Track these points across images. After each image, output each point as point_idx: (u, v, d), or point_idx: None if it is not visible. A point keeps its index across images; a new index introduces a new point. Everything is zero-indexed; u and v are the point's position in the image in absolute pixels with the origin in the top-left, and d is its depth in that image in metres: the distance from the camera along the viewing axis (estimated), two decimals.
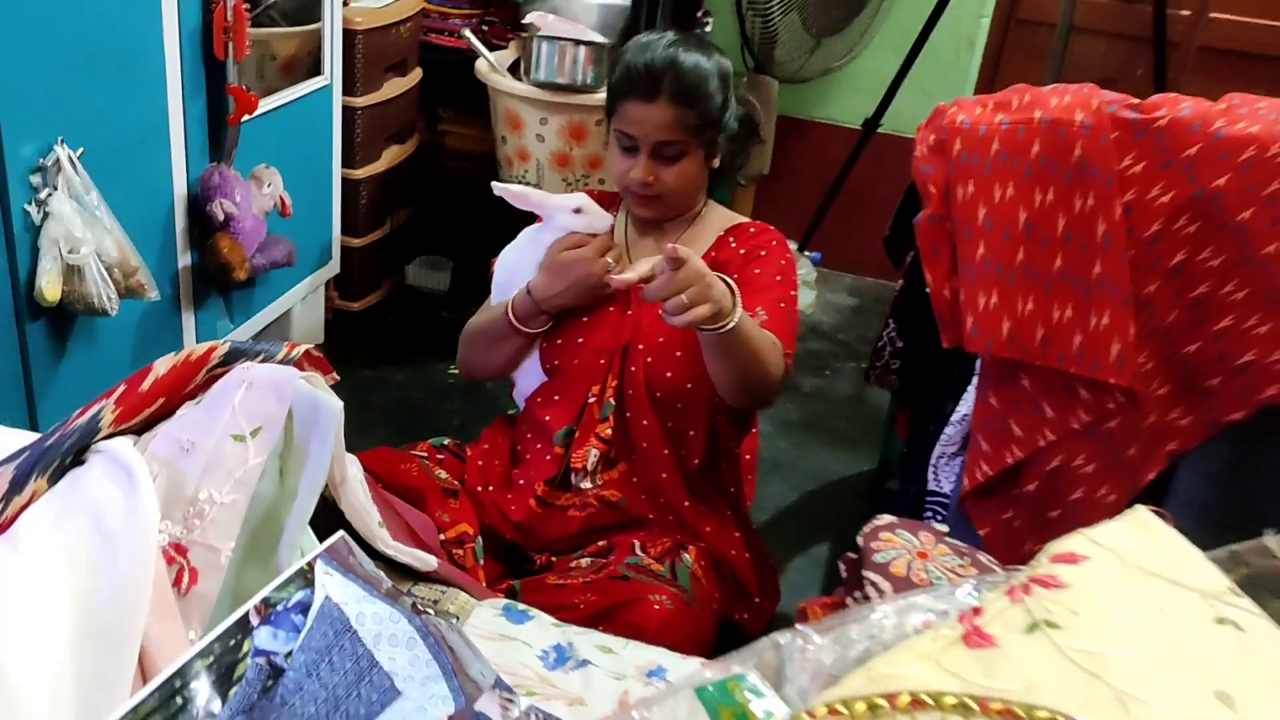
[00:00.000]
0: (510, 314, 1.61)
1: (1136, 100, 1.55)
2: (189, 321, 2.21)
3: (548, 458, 1.61)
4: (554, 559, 1.58)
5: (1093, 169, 1.52)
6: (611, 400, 1.59)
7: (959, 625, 0.64)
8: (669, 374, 1.56)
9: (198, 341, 2.19)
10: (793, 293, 1.61)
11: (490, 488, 1.64)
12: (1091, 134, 1.52)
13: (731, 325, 1.35)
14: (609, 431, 1.58)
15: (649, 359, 1.57)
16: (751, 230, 1.66)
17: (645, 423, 1.58)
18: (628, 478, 1.59)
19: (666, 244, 1.32)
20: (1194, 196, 1.49)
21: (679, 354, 1.56)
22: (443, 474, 1.63)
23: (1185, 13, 3.38)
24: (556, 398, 1.64)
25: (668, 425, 1.58)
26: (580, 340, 1.61)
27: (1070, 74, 3.04)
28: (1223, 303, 1.52)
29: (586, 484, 1.58)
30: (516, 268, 1.64)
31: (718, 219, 1.69)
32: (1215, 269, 1.51)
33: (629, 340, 1.59)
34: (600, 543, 1.56)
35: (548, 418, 1.62)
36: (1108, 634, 0.64)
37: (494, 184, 1.59)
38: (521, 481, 1.63)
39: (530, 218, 1.66)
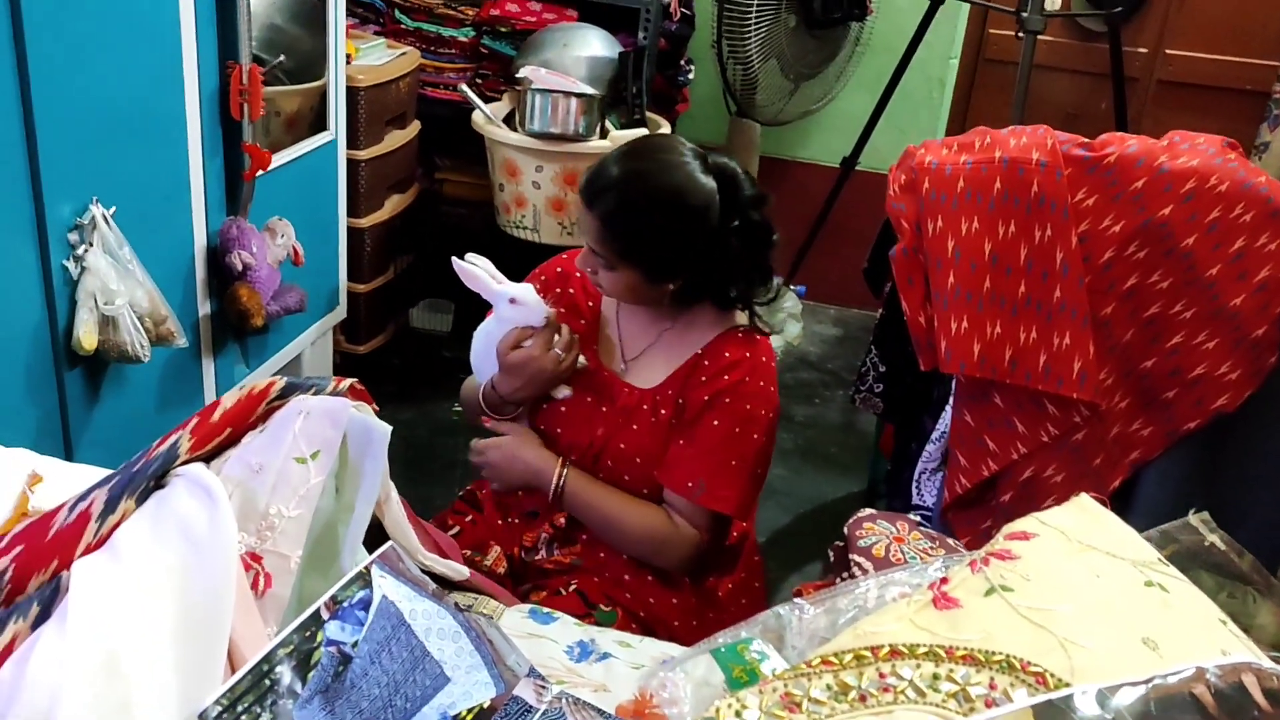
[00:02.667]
0: (482, 405, 1.69)
1: (1087, 139, 1.70)
2: (209, 367, 2.32)
3: (520, 521, 1.71)
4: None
5: (1049, 203, 1.66)
6: None
7: (929, 592, 0.77)
8: (626, 477, 1.61)
9: (217, 385, 2.33)
10: (755, 435, 1.55)
11: (514, 520, 1.72)
12: (1047, 171, 1.66)
13: (553, 492, 1.59)
14: (562, 521, 1.65)
15: (609, 462, 1.61)
16: (726, 355, 1.57)
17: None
18: (584, 546, 1.66)
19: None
20: (1142, 225, 1.63)
21: (638, 460, 1.60)
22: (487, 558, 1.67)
23: (1143, 50, 3.56)
24: None
25: None
26: (558, 430, 1.66)
27: (1036, 110, 3.19)
28: (1173, 321, 1.66)
29: (540, 554, 1.66)
30: (482, 356, 1.70)
31: (706, 323, 1.62)
32: (1165, 290, 1.65)
33: (600, 442, 1.61)
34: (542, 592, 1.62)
35: (520, 493, 1.71)
36: (1052, 594, 0.76)
37: (454, 259, 1.60)
38: (521, 518, 1.72)
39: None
